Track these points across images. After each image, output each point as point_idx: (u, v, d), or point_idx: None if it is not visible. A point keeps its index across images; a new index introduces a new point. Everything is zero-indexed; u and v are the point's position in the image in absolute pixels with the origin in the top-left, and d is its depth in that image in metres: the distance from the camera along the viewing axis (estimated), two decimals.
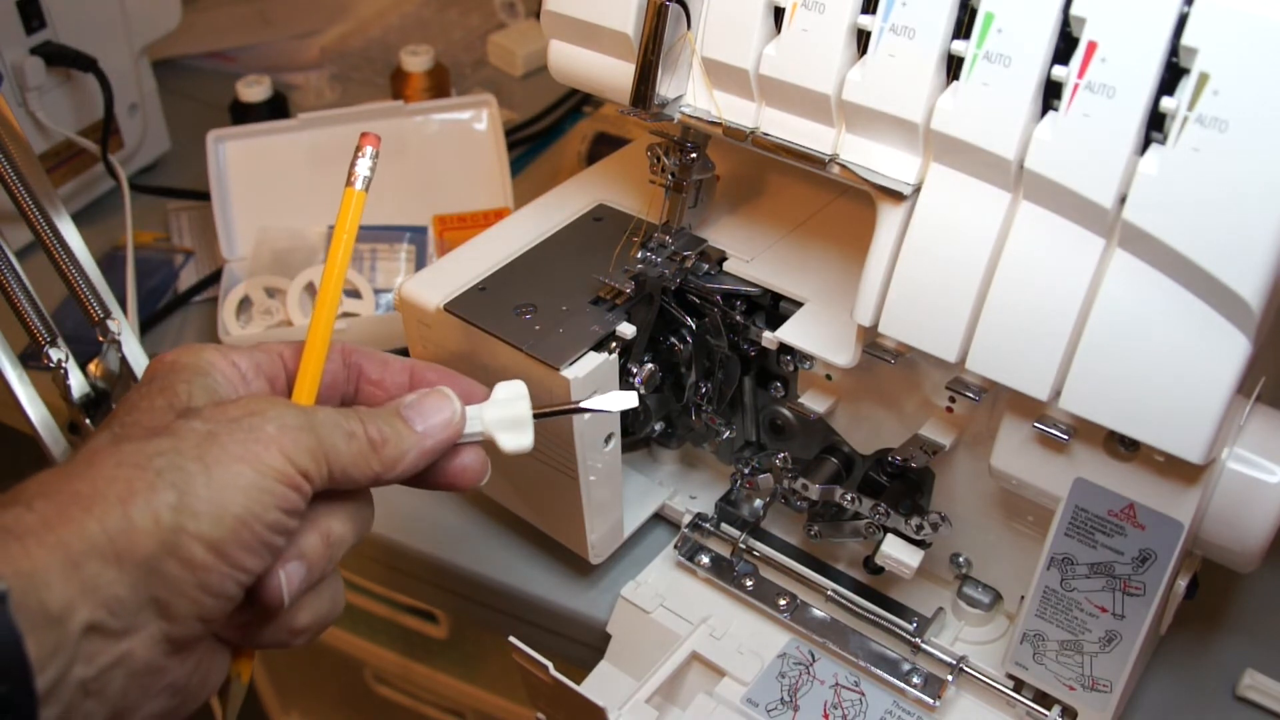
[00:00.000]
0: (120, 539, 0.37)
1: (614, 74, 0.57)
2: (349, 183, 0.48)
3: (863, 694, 0.60)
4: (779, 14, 0.51)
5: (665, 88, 0.55)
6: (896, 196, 0.49)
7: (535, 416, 0.50)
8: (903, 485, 0.60)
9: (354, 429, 0.44)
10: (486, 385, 0.60)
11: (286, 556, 0.42)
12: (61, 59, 0.91)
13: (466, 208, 0.89)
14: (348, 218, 0.48)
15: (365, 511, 0.47)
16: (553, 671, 0.56)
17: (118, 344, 0.57)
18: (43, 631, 0.35)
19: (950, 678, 0.59)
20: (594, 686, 0.62)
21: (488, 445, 0.49)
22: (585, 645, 0.67)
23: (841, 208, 0.66)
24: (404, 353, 0.81)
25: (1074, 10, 0.42)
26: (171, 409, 0.42)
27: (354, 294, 0.84)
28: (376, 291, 0.85)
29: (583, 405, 0.52)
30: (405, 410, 0.47)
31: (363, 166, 0.48)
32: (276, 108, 1.03)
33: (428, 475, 0.48)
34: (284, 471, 0.41)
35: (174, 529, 0.38)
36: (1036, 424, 0.50)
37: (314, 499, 0.43)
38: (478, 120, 0.94)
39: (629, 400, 0.52)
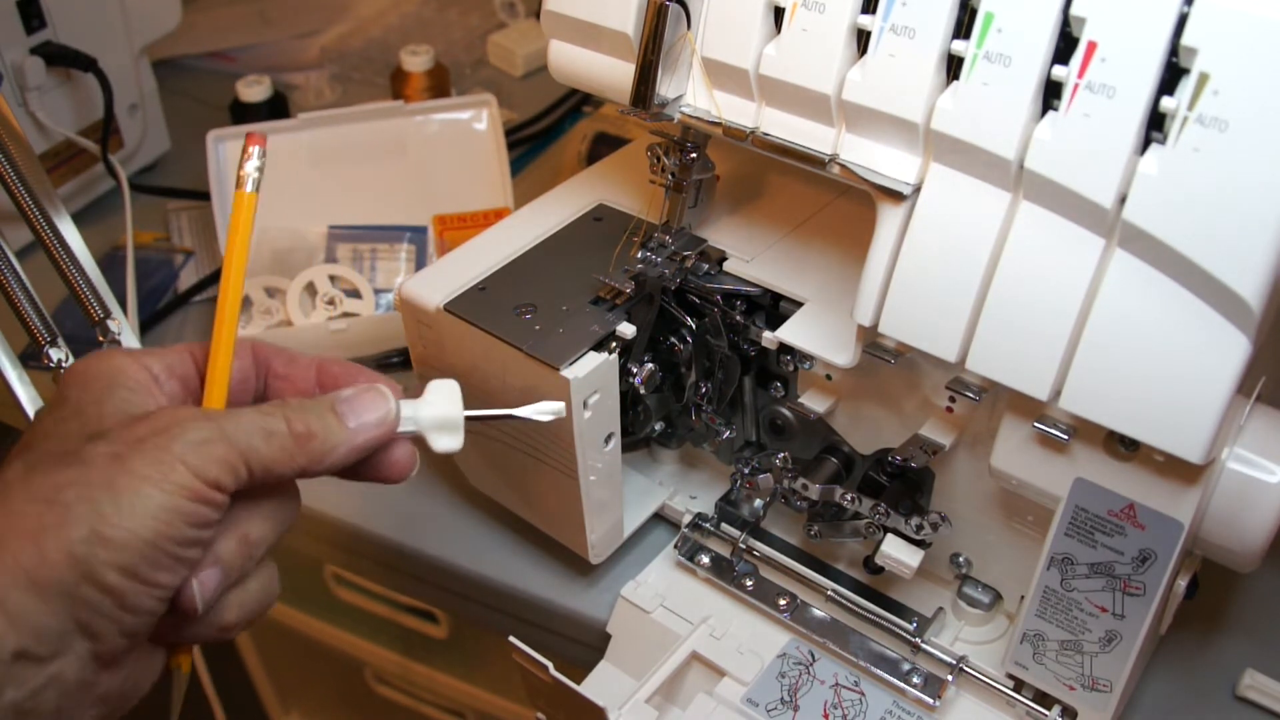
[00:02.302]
0: (36, 572, 0.38)
1: (614, 74, 0.57)
2: (238, 185, 0.48)
3: (863, 694, 0.60)
4: (779, 14, 0.51)
5: (665, 88, 0.55)
6: (896, 196, 0.49)
7: (468, 419, 0.50)
8: (903, 485, 0.60)
9: (274, 427, 0.44)
10: (486, 385, 0.61)
11: (201, 565, 0.42)
12: (61, 59, 0.91)
13: (466, 208, 0.89)
14: (240, 221, 0.48)
15: (287, 507, 0.47)
16: (553, 671, 0.56)
17: (118, 344, 0.57)
18: None
19: (950, 678, 0.59)
20: (594, 686, 0.62)
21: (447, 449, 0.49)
22: (585, 645, 0.67)
23: (841, 208, 0.66)
24: (404, 353, 0.82)
25: (1074, 10, 0.42)
26: (83, 432, 0.43)
27: (354, 294, 0.84)
28: (376, 291, 0.85)
29: (513, 413, 0.52)
30: (340, 405, 0.46)
31: (250, 168, 0.48)
32: (276, 108, 1.03)
33: (356, 467, 0.48)
34: (192, 488, 0.41)
35: (87, 559, 0.39)
36: (1036, 424, 0.50)
37: (233, 500, 0.43)
38: (478, 120, 0.94)
39: (557, 410, 0.52)
